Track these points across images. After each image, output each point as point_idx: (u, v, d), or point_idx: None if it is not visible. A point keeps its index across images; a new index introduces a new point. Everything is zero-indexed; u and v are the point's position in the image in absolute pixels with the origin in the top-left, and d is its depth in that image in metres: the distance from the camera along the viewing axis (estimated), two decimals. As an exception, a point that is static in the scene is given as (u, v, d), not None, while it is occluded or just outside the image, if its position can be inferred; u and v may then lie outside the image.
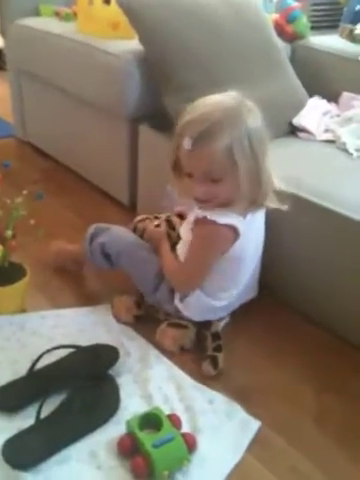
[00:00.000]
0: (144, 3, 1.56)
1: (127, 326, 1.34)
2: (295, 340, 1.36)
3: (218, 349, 1.27)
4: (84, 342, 1.23)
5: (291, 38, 1.98)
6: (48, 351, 1.15)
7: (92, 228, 1.41)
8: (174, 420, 1.04)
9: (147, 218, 1.48)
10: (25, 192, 1.32)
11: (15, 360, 1.21)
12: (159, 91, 1.57)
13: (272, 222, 1.35)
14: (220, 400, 1.15)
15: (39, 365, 1.14)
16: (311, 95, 1.78)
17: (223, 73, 1.58)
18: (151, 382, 1.17)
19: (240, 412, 1.13)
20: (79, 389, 1.11)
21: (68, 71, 1.85)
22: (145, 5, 1.55)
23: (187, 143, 1.06)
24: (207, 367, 1.23)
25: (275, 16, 2.00)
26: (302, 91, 1.76)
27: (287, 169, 1.41)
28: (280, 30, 1.92)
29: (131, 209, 1.85)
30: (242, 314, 1.37)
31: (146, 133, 1.69)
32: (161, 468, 0.96)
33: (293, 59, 1.90)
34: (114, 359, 1.20)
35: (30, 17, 2.07)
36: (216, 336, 1.30)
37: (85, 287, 1.50)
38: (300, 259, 1.38)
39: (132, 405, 1.12)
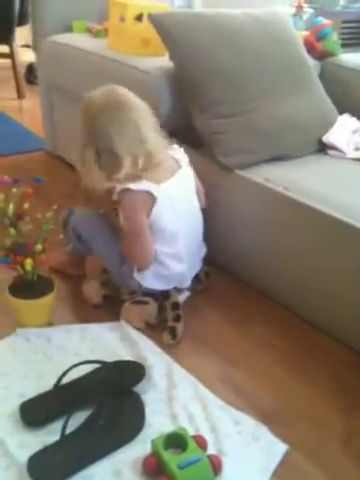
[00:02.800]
0: (176, 20, 1.58)
1: (152, 342, 1.33)
2: (320, 358, 1.34)
3: (177, 319, 1.37)
4: (109, 357, 1.23)
5: (321, 55, 1.97)
6: (74, 366, 1.15)
7: (64, 213, 1.50)
8: (200, 441, 1.03)
9: None
10: (55, 207, 1.34)
11: (41, 374, 1.21)
12: (188, 108, 1.58)
13: (294, 235, 1.37)
14: (246, 422, 1.13)
15: (65, 380, 1.14)
16: (341, 113, 1.76)
17: (252, 90, 1.59)
18: (176, 400, 1.16)
19: (267, 434, 1.10)
20: (104, 405, 1.10)
21: (98, 87, 1.87)
22: (177, 22, 1.57)
23: None
24: (166, 337, 1.34)
25: (305, 33, 1.99)
26: (332, 108, 1.75)
27: (316, 186, 1.41)
28: (310, 47, 1.91)
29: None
30: (265, 331, 1.37)
31: (175, 149, 1.70)
32: (186, 490, 0.95)
33: (323, 76, 1.89)
34: (140, 376, 1.19)
35: (62, 33, 2.11)
36: (175, 306, 1.40)
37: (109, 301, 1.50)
38: (323, 276, 1.37)
39: (157, 423, 1.11)
